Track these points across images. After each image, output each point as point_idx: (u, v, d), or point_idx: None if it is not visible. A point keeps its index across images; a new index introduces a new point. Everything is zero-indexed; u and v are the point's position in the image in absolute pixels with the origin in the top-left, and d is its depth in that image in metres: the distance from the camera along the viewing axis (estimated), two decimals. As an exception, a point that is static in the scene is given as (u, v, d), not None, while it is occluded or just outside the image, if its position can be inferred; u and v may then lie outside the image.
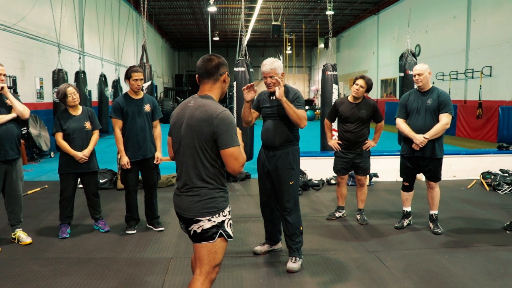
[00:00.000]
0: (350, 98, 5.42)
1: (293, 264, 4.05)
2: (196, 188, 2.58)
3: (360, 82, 5.26)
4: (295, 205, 4.16)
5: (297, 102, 4.06)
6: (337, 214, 5.70)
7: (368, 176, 5.71)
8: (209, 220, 2.57)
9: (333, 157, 5.64)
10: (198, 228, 2.58)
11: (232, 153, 2.49)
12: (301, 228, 4.19)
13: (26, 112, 4.62)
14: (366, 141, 5.39)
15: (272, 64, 4.02)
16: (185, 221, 2.66)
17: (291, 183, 4.12)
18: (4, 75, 4.52)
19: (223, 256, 2.70)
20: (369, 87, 5.30)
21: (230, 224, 2.68)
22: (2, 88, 4.46)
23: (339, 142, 5.47)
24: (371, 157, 5.56)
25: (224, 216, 2.62)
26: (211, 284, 2.67)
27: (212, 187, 2.59)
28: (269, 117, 4.18)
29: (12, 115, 4.53)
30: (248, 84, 3.98)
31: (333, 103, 5.79)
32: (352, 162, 5.44)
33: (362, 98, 5.38)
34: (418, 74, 4.90)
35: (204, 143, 2.53)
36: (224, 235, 2.62)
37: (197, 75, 2.72)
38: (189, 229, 2.64)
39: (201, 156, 2.56)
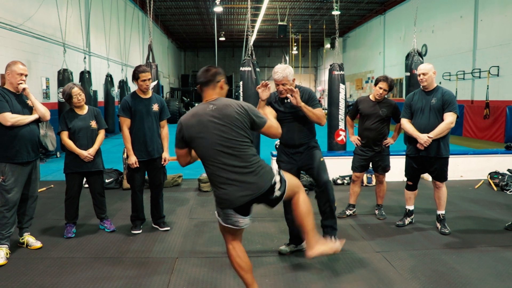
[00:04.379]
0: (371, 97, 5.52)
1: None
2: (253, 165, 2.99)
3: (383, 85, 5.35)
4: (329, 181, 4.30)
5: (312, 101, 4.19)
6: (348, 212, 5.72)
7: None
8: (275, 178, 3.04)
9: (339, 157, 5.65)
10: (277, 189, 3.03)
11: (269, 126, 3.16)
12: (335, 205, 4.37)
13: (47, 113, 4.55)
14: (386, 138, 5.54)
15: (283, 71, 4.06)
16: (263, 197, 3.01)
17: (321, 159, 4.28)
18: (26, 75, 4.45)
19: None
20: (391, 88, 5.41)
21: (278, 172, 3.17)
22: (24, 89, 4.41)
23: (359, 138, 5.59)
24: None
25: (274, 172, 3.10)
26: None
27: (256, 161, 3.02)
28: (285, 121, 4.21)
29: (35, 116, 4.46)
30: (263, 82, 4.04)
31: (354, 101, 5.89)
32: (371, 160, 5.55)
33: (384, 98, 5.47)
34: (423, 74, 4.88)
35: (241, 130, 2.99)
36: (283, 175, 3.15)
37: (198, 85, 3.17)
38: (271, 197, 3.04)
39: (240, 142, 2.98)
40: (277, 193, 3.04)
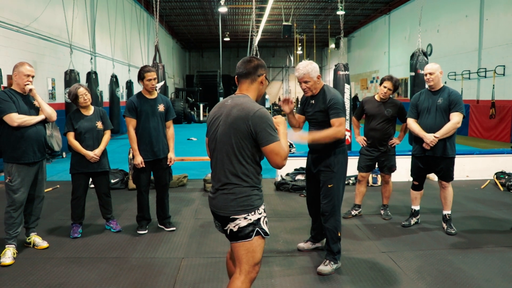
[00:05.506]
0: (376, 97, 5.53)
1: (324, 267, 3.96)
2: (231, 185, 2.58)
3: (388, 84, 5.34)
4: (333, 210, 4.02)
5: (333, 109, 3.87)
6: (353, 212, 5.73)
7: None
8: (245, 218, 2.58)
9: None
10: (234, 226, 2.59)
11: (272, 149, 2.51)
12: (339, 234, 4.06)
13: (54, 114, 4.57)
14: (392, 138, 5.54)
15: (304, 68, 3.87)
16: (221, 220, 2.66)
17: (329, 186, 4.01)
18: (33, 76, 4.46)
19: (262, 254, 2.68)
20: (396, 88, 5.39)
21: (266, 221, 2.67)
22: (31, 90, 4.42)
23: (365, 138, 5.59)
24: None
25: (260, 214, 2.63)
26: (251, 283, 2.66)
27: (247, 185, 2.59)
28: (311, 122, 4.17)
29: (41, 116, 4.48)
30: (283, 98, 3.95)
31: (359, 102, 5.88)
32: (377, 160, 5.56)
33: (389, 98, 5.48)
34: (430, 73, 4.87)
35: (241, 140, 2.54)
36: (261, 232, 2.62)
37: (235, 76, 2.78)
38: (225, 228, 2.64)
39: (237, 153, 2.56)
40: (229, 227, 2.60)
